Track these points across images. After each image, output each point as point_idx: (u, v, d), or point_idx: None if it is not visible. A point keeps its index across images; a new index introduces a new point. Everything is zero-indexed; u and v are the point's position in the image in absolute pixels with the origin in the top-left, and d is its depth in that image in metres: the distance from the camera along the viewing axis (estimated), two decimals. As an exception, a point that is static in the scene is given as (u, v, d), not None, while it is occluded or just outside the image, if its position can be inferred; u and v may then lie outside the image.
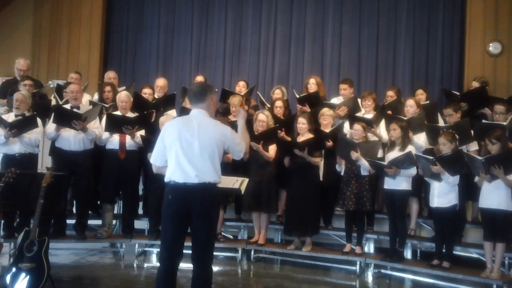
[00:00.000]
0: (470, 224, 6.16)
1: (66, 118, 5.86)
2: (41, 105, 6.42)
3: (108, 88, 6.88)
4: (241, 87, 7.35)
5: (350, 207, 5.79)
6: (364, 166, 5.75)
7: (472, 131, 5.70)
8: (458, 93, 6.75)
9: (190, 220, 3.61)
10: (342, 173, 5.96)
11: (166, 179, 3.65)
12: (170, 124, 3.76)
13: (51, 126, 6.04)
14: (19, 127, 5.75)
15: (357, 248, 5.99)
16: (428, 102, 6.58)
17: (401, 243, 5.74)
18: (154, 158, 3.76)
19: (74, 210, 6.64)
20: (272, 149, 6.21)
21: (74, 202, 6.57)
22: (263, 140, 6.05)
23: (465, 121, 5.72)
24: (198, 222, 3.59)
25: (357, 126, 5.90)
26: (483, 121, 5.89)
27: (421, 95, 6.69)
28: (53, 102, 6.69)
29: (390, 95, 6.71)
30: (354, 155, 5.68)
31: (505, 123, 5.58)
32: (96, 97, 7.21)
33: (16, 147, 5.88)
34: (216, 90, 7.27)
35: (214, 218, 3.73)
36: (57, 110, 6.01)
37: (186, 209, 3.58)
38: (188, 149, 3.57)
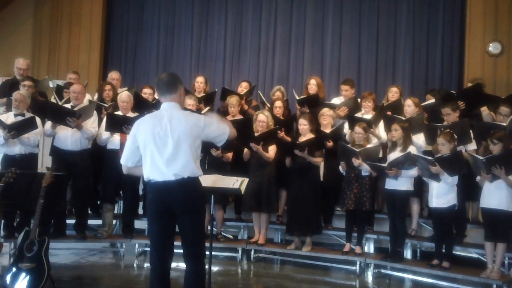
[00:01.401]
0: (470, 224, 6.15)
1: (60, 115, 5.85)
2: (40, 105, 6.42)
3: (108, 87, 6.87)
4: (243, 88, 7.34)
5: (350, 206, 5.79)
6: (366, 169, 5.76)
7: (471, 131, 5.69)
8: (454, 92, 6.76)
9: (175, 218, 3.53)
10: (343, 173, 5.97)
11: (145, 178, 3.54)
12: (141, 123, 3.60)
13: (48, 123, 6.05)
14: (18, 129, 5.74)
15: (357, 248, 5.99)
16: (433, 101, 6.56)
17: (400, 243, 5.74)
18: (125, 159, 3.62)
19: (74, 210, 6.64)
20: (272, 150, 6.21)
21: (74, 202, 6.56)
22: (262, 141, 6.05)
23: (465, 121, 5.71)
24: (183, 218, 3.50)
25: (358, 129, 5.88)
26: (484, 121, 5.86)
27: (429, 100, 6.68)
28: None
29: (394, 91, 6.69)
30: (356, 162, 5.68)
31: (505, 124, 5.57)
32: (96, 96, 7.21)
33: (16, 148, 5.87)
34: (216, 89, 7.38)
35: (199, 212, 3.60)
36: (51, 107, 6.01)
37: (168, 207, 3.49)
38: (162, 147, 3.45)
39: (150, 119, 3.60)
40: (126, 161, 3.64)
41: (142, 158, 3.57)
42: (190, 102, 6.39)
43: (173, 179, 3.44)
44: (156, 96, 7.07)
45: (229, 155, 6.22)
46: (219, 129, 3.64)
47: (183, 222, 3.53)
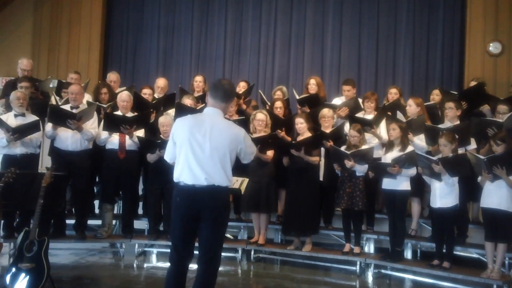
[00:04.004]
0: (471, 224, 6.14)
1: (61, 117, 5.85)
2: (40, 105, 6.42)
3: (104, 90, 6.82)
4: (241, 87, 7.34)
5: (343, 205, 5.82)
6: (359, 169, 5.76)
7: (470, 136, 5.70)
8: (456, 93, 6.76)
9: (199, 221, 3.54)
10: (339, 174, 5.98)
11: (175, 179, 3.56)
12: (181, 123, 3.60)
13: (49, 124, 6.03)
14: (22, 131, 5.74)
15: (356, 248, 5.97)
16: (433, 102, 6.56)
17: (400, 243, 5.74)
18: (168, 157, 3.71)
19: (73, 210, 6.63)
20: (270, 151, 6.19)
21: (74, 202, 6.55)
22: (259, 144, 6.02)
23: (465, 124, 5.73)
24: (206, 225, 3.51)
25: (353, 132, 5.86)
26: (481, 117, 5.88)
27: (436, 95, 6.67)
28: (53, 102, 6.68)
29: (394, 92, 6.70)
30: (349, 164, 5.69)
31: (501, 120, 5.58)
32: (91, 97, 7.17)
33: (17, 148, 5.86)
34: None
35: (223, 221, 3.63)
36: (51, 109, 6.01)
37: (195, 212, 3.50)
38: (198, 151, 3.46)
39: (190, 120, 3.59)
40: (170, 159, 3.69)
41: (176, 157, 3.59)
42: (188, 101, 6.38)
43: (204, 184, 3.46)
44: (156, 96, 7.10)
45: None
46: (251, 148, 3.71)
47: (204, 227, 3.53)
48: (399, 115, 6.34)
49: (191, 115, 3.70)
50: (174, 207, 3.59)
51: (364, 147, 5.88)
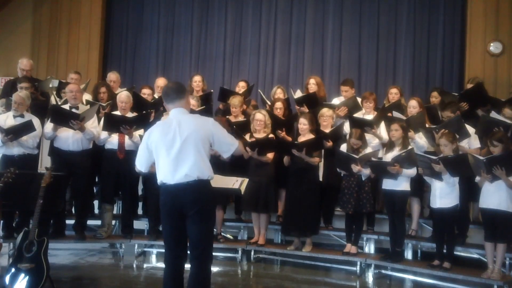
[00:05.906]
0: (471, 225, 6.13)
1: (64, 118, 5.84)
2: (40, 105, 6.40)
3: (103, 89, 6.82)
4: (241, 87, 7.32)
5: (350, 210, 5.78)
6: (365, 174, 5.74)
7: (466, 126, 5.68)
8: (456, 94, 6.75)
9: (185, 218, 3.59)
10: (342, 174, 5.96)
11: (158, 182, 3.66)
12: (152, 131, 3.72)
13: (48, 125, 6.01)
14: (15, 132, 5.72)
15: (352, 248, 5.95)
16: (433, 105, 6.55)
17: (400, 243, 5.73)
18: (140, 164, 3.82)
19: (73, 210, 6.62)
20: (270, 152, 6.17)
21: (73, 202, 6.54)
22: (258, 147, 6.00)
23: (456, 117, 5.71)
24: (191, 220, 3.56)
25: (355, 141, 5.82)
26: (491, 114, 5.85)
27: (435, 98, 6.66)
28: (53, 102, 6.67)
29: (394, 92, 6.69)
30: (356, 168, 5.67)
31: (510, 122, 5.57)
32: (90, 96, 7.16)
33: (15, 149, 5.84)
34: (212, 90, 7.35)
35: (207, 215, 3.65)
36: (54, 109, 5.99)
37: (179, 208, 3.57)
38: (172, 151, 3.56)
39: (160, 126, 3.74)
40: (140, 166, 3.83)
41: (155, 163, 3.71)
42: (192, 102, 6.35)
43: (183, 181, 3.53)
44: (156, 96, 7.09)
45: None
46: (228, 138, 3.76)
47: (190, 222, 3.57)
48: (397, 114, 6.32)
49: (159, 122, 3.86)
50: (161, 206, 3.68)
51: (367, 150, 5.86)
